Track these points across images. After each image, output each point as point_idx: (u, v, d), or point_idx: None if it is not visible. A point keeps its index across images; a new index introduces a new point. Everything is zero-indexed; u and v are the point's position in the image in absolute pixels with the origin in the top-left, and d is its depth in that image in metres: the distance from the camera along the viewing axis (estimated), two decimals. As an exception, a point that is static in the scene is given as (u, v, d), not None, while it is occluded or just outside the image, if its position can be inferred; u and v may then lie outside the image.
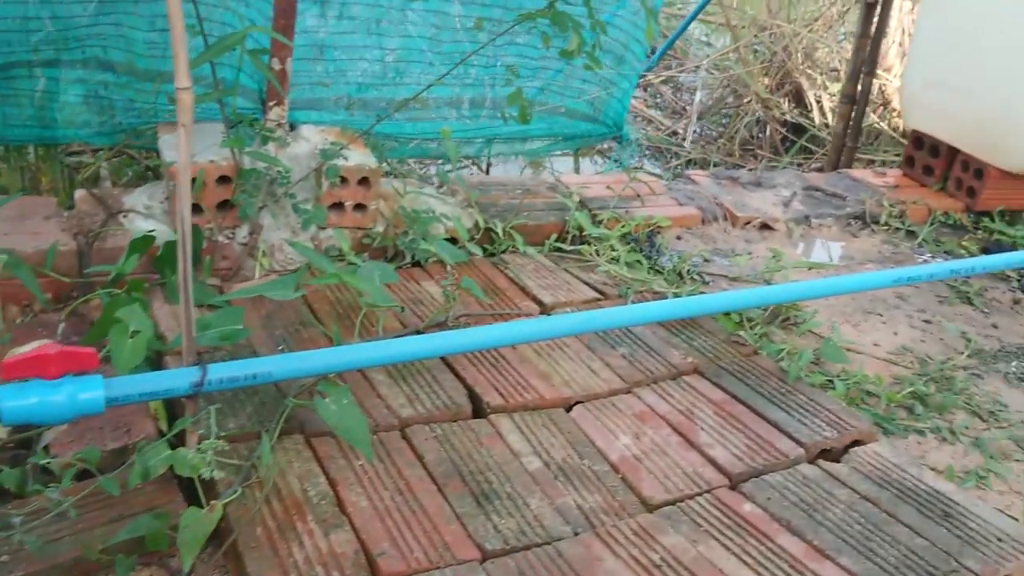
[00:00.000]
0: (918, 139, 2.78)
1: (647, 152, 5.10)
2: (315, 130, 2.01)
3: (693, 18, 4.41)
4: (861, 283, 1.84)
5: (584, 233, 2.14)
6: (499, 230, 2.06)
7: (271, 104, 1.92)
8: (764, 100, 5.17)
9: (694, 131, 5.42)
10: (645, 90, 5.86)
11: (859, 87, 3.19)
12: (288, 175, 1.82)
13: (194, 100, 1.00)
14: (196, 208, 1.81)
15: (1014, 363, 1.94)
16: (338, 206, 1.96)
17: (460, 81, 2.14)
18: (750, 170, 2.68)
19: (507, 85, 2.19)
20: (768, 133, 5.03)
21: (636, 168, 2.89)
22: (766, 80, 5.26)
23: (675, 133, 5.37)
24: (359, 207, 1.97)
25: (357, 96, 2.04)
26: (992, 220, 2.64)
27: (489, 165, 2.78)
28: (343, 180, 1.92)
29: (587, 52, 1.86)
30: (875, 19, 3.09)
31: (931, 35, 2.69)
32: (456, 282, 1.69)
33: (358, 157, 1.94)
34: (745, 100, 5.36)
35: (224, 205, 1.84)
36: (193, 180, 1.77)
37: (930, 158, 2.75)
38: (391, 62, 2.08)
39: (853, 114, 3.22)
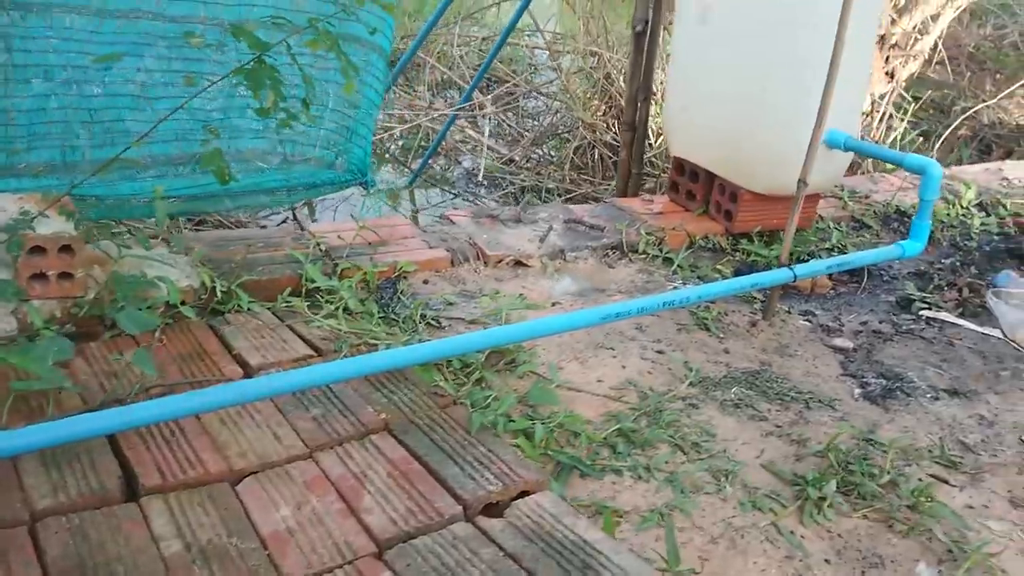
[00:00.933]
0: (680, 164, 2.84)
1: (483, 182, 5.11)
2: (12, 199, 1.92)
3: (494, 56, 4.42)
4: (568, 323, 1.84)
5: (315, 285, 2.10)
6: (223, 288, 2.01)
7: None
8: (590, 124, 5.23)
9: (533, 157, 5.46)
10: (485, 118, 5.88)
11: (637, 114, 3.25)
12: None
13: None
14: None
15: (734, 389, 1.97)
16: (42, 276, 1.88)
17: (180, 137, 2.08)
18: (515, 205, 2.69)
19: (235, 138, 2.14)
20: (597, 157, 5.11)
21: (395, 197, 2.86)
22: (596, 103, 5.34)
23: (512, 160, 5.40)
24: (65, 275, 1.89)
25: (62, 160, 1.97)
26: (750, 241, 2.70)
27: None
28: (41, 249, 1.84)
29: (284, 109, 1.83)
30: (644, 46, 3.15)
31: (682, 64, 2.75)
32: (157, 347, 1.63)
33: (56, 224, 1.86)
34: (575, 125, 5.43)
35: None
36: None
37: (691, 183, 2.81)
38: (100, 121, 2.01)
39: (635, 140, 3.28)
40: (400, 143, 5.57)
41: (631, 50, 3.22)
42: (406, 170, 4.93)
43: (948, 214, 3.06)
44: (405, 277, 2.27)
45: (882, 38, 4.70)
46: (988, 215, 3.10)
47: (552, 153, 5.35)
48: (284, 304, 2.06)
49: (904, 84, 5.17)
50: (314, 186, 2.30)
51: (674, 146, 2.84)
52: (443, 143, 5.12)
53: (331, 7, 1.97)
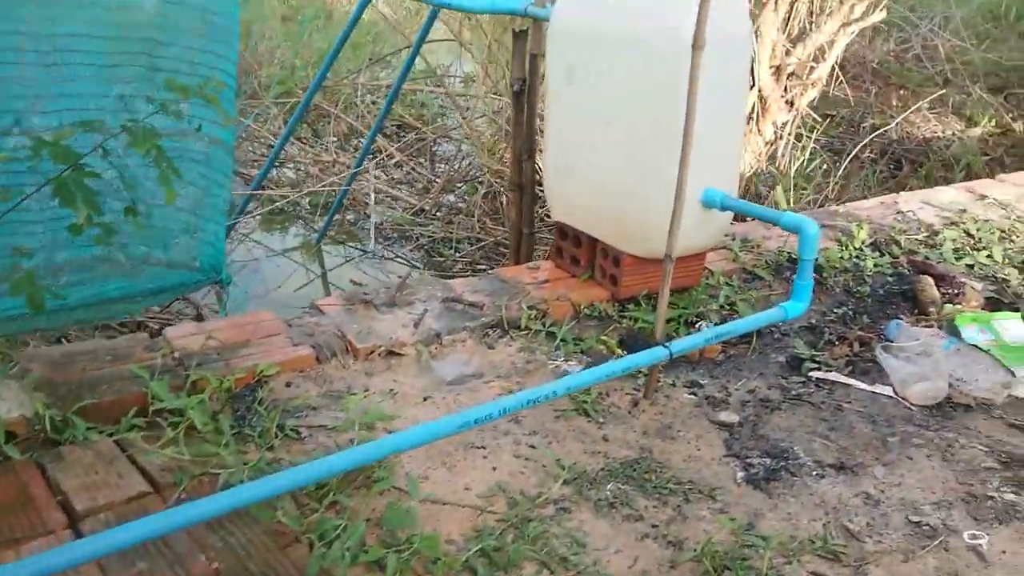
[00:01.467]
0: (562, 229, 2.75)
1: (393, 235, 4.98)
2: None
3: (390, 105, 4.32)
4: (421, 436, 1.72)
5: (162, 405, 1.96)
6: (57, 417, 1.86)
7: None
8: (496, 171, 5.15)
9: (445, 205, 5.34)
10: (397, 167, 5.77)
11: (523, 173, 3.16)
12: None
13: None
14: None
15: (610, 485, 1.86)
16: None
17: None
18: (386, 289, 2.56)
19: (64, 248, 2.00)
20: (507, 203, 5.01)
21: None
22: (503, 146, 5.25)
23: (422, 210, 5.28)
24: None
25: None
26: (637, 305, 2.61)
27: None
28: None
29: (99, 224, 1.69)
30: (524, 104, 3.06)
31: (555, 127, 2.67)
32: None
33: None
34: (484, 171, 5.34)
35: None
36: None
37: (575, 248, 2.72)
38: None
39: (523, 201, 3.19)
40: (308, 200, 5.43)
41: (512, 109, 3.13)
42: (315, 229, 4.79)
43: (841, 257, 3.01)
44: (266, 382, 2.13)
45: (778, 69, 4.69)
46: (882, 255, 3.06)
47: (463, 201, 5.23)
48: (128, 429, 1.91)
49: (805, 111, 5.16)
50: (162, 291, 2.16)
51: (554, 211, 2.75)
52: (351, 197, 5.01)
53: (155, 106, 1.83)
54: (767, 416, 2.16)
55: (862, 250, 3.07)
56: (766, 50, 4.59)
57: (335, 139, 6.18)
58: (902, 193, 3.66)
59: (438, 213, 5.31)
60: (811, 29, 4.83)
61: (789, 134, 5.00)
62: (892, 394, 2.28)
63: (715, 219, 2.52)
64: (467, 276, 2.86)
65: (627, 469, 1.93)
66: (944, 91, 7.70)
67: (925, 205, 3.53)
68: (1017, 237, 3.28)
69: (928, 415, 2.20)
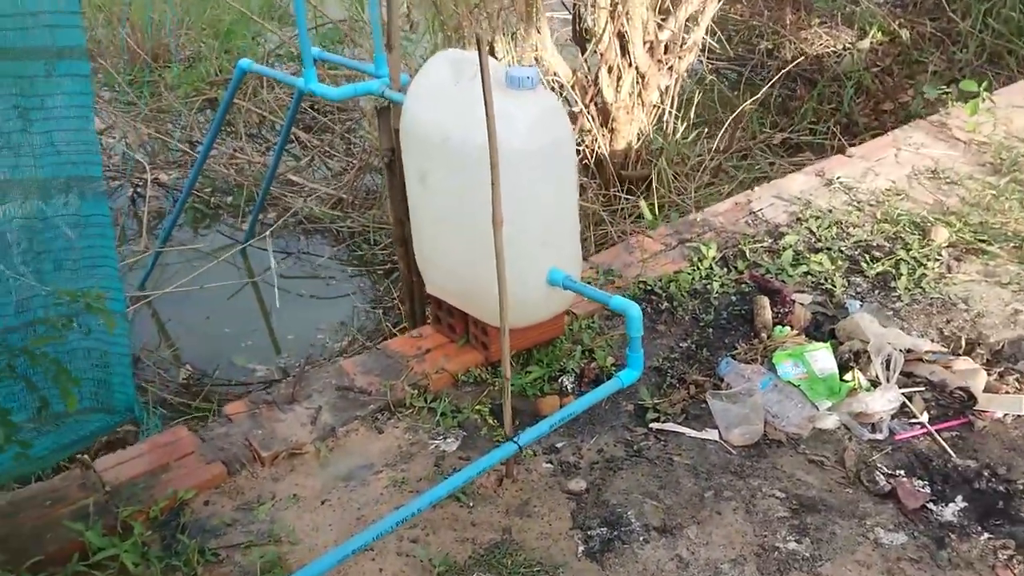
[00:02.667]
0: (437, 300, 3.10)
1: (312, 228, 5.24)
2: None
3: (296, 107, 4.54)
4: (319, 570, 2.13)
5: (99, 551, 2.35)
6: (9, 582, 2.25)
7: None
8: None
9: (361, 191, 5.60)
10: (312, 160, 5.99)
11: (405, 229, 3.48)
12: None
13: None
14: None
15: (476, 574, 2.29)
16: None
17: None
18: (288, 379, 2.93)
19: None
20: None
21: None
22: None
23: (341, 200, 5.53)
24: None
25: None
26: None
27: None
28: None
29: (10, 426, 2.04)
30: (397, 172, 3.36)
31: (419, 215, 2.99)
32: None
33: None
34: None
35: None
36: None
37: (450, 317, 3.08)
38: None
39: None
40: (229, 199, 5.68)
41: (384, 177, 3.43)
42: (239, 229, 5.04)
43: (692, 278, 3.39)
44: (187, 504, 2.52)
45: (651, 45, 4.95)
46: (729, 270, 3.45)
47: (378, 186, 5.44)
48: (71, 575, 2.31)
49: (685, 73, 5.44)
50: (85, 438, 2.52)
51: (428, 286, 3.09)
52: (272, 194, 5.26)
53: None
54: (610, 479, 2.59)
55: (712, 268, 3.45)
56: (637, 31, 4.85)
57: (247, 132, 6.35)
58: (755, 189, 4.02)
59: (355, 202, 5.57)
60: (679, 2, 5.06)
61: (672, 98, 5.29)
62: (718, 438, 2.71)
63: (561, 295, 2.88)
64: (357, 355, 3.19)
65: (489, 555, 2.36)
66: (835, 2, 7.94)
67: (776, 200, 3.90)
68: (853, 229, 3.67)
69: (745, 456, 2.64)
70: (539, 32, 4.81)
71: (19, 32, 2.04)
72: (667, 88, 5.24)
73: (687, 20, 5.15)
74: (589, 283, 3.33)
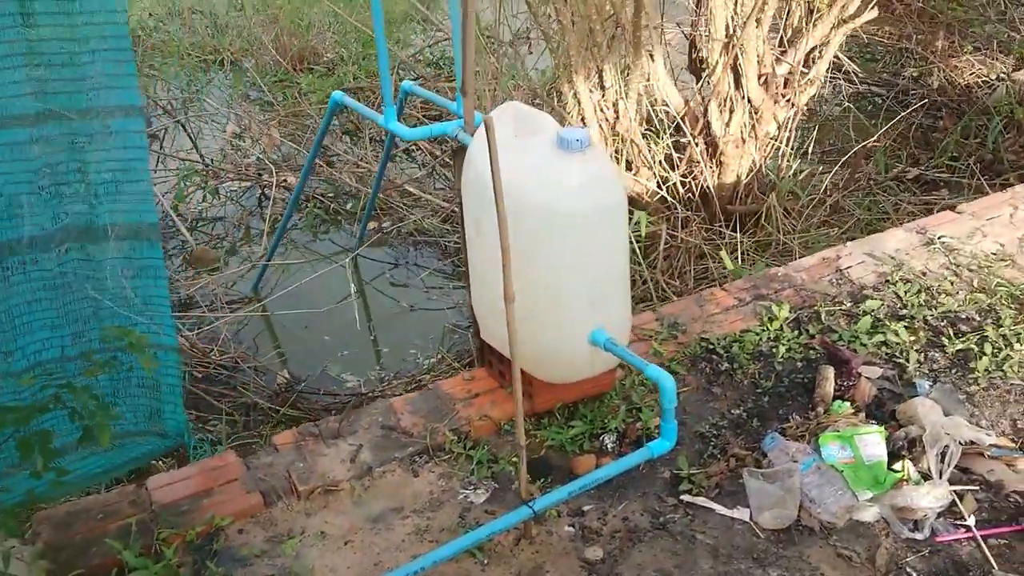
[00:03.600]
0: (488, 346, 3.14)
1: (422, 241, 5.40)
2: None
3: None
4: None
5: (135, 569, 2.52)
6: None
7: None
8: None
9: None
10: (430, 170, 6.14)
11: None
12: None
13: None
14: None
15: (472, 638, 2.33)
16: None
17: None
18: (337, 415, 3.05)
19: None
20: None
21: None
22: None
23: (454, 213, 5.66)
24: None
25: None
26: (552, 418, 3.01)
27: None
28: None
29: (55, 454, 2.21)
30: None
31: (472, 263, 3.04)
32: None
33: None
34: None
35: None
36: None
37: (500, 363, 3.12)
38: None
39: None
40: (348, 205, 5.91)
41: (459, 214, 3.49)
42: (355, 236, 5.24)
43: (759, 339, 3.31)
44: (222, 531, 2.67)
45: (767, 78, 4.83)
46: (800, 333, 3.34)
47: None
48: (114, 592, 2.49)
49: (806, 107, 5.26)
50: (138, 458, 2.70)
51: (481, 329, 3.14)
52: (382, 203, 5.46)
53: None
54: (629, 551, 2.57)
55: (782, 330, 3.35)
56: (751, 64, 4.74)
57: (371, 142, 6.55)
58: (847, 244, 3.85)
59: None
60: (806, 29, 4.91)
61: (790, 130, 5.14)
62: (748, 518, 2.64)
63: (603, 355, 2.87)
64: (408, 392, 3.28)
65: (493, 619, 2.39)
66: (995, 27, 7.48)
67: (867, 257, 3.74)
68: (944, 296, 3.48)
69: (773, 541, 2.56)
70: (652, 59, 4.76)
71: (78, 95, 2.19)
72: (785, 121, 5.10)
73: (809, 53, 4.98)
74: (652, 336, 3.31)
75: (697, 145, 4.92)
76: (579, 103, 4.81)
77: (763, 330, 3.35)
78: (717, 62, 4.77)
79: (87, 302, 2.40)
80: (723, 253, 3.89)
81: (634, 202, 4.79)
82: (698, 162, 4.91)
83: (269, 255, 4.71)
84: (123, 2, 2.17)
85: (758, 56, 4.79)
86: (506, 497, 2.77)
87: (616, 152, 4.82)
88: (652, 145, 4.92)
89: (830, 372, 3.09)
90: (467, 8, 2.46)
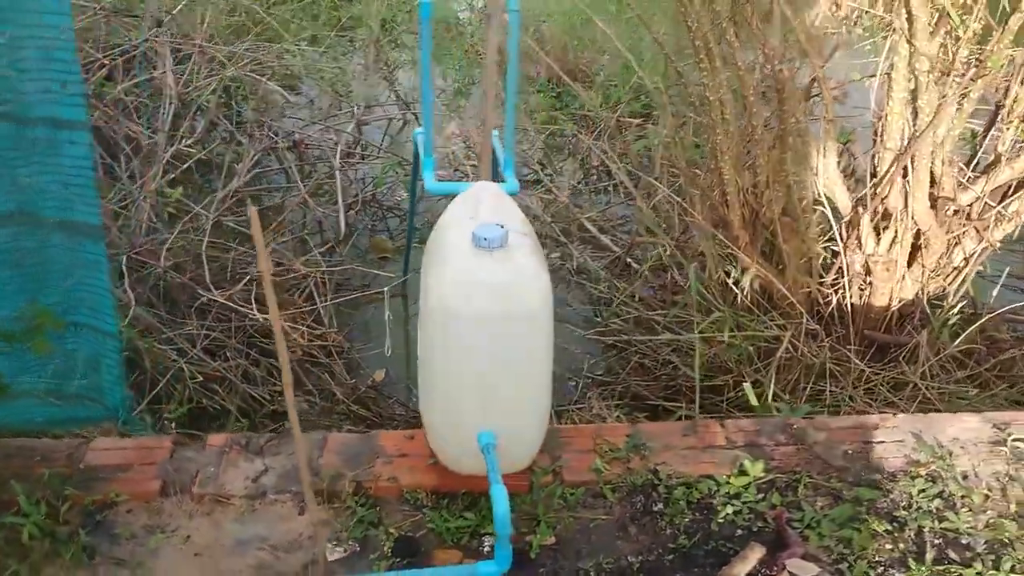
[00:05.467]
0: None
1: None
2: None
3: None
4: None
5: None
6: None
7: None
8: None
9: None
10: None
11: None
12: None
13: None
14: None
15: None
16: None
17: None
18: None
19: None
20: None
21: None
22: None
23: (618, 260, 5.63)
24: None
25: None
26: (451, 502, 2.97)
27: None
28: None
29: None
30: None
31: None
32: None
33: None
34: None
35: None
36: None
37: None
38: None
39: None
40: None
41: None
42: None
43: (713, 491, 3.02)
44: (115, 506, 2.95)
45: (943, 202, 4.33)
46: (764, 499, 3.00)
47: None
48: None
49: (999, 244, 4.59)
50: (77, 421, 3.05)
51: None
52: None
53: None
54: (417, 661, 2.51)
55: (746, 488, 3.03)
56: (922, 184, 4.27)
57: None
58: (899, 415, 3.35)
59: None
60: (1006, 157, 4.33)
61: (971, 267, 4.56)
62: (551, 676, 2.47)
63: (507, 452, 2.79)
64: (350, 432, 3.36)
65: (252, 675, 2.46)
66: None
67: (911, 437, 3.24)
68: (964, 511, 2.95)
69: None
70: (824, 156, 4.42)
71: (25, 105, 2.50)
72: (972, 254, 4.51)
73: (1007, 189, 4.37)
74: (607, 452, 3.15)
75: (847, 257, 4.51)
76: (723, 181, 4.57)
77: (726, 482, 3.04)
78: (887, 172, 4.32)
79: (28, 282, 2.74)
80: (746, 386, 3.53)
81: (773, 302, 4.51)
82: (845, 274, 4.51)
83: (404, 269, 4.99)
84: (70, 33, 2.44)
85: (933, 175, 4.27)
86: (358, 564, 2.80)
87: (758, 240, 4.53)
88: (801, 243, 4.56)
89: (757, 553, 2.77)
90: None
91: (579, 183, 6.63)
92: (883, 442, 3.23)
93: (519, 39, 3.24)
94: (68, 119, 2.55)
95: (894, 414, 3.36)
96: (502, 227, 2.59)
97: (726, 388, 4.22)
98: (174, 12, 6.28)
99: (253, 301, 4.53)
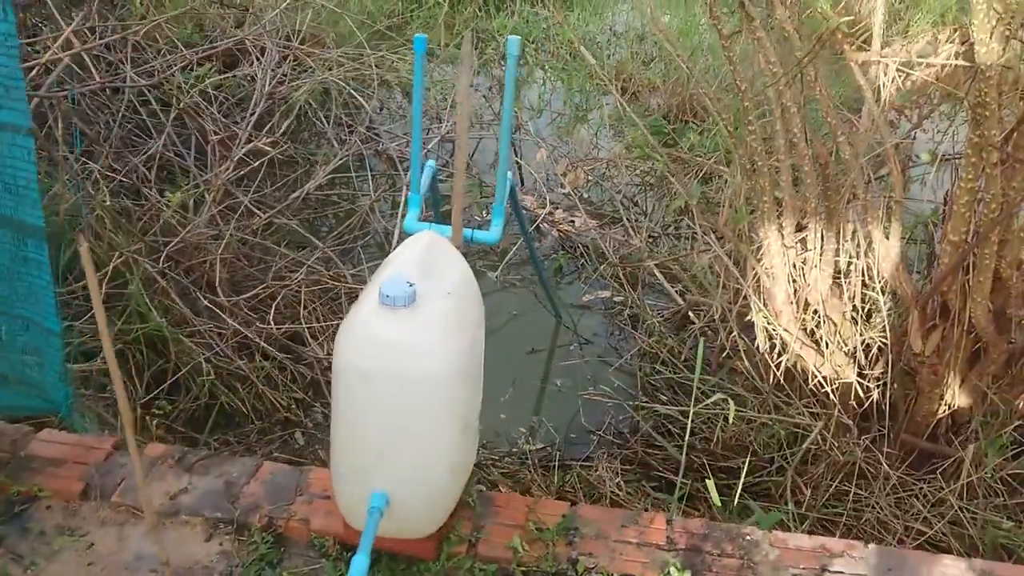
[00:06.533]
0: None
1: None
2: None
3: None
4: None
5: (-51, 494, 2.95)
6: None
7: None
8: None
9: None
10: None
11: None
12: None
13: None
14: None
15: None
16: None
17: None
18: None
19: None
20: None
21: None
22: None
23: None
24: None
25: None
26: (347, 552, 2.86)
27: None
28: None
29: None
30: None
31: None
32: None
33: None
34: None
35: None
36: None
37: (354, 480, 3.01)
38: None
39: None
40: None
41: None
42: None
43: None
44: (37, 500, 3.00)
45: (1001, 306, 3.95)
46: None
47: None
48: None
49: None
50: (21, 409, 3.12)
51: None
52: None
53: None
54: None
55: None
56: (981, 287, 3.88)
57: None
58: (869, 547, 2.99)
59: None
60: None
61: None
62: None
63: (407, 516, 2.66)
64: (287, 463, 3.29)
65: None
66: None
67: (875, 573, 2.89)
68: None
69: None
70: (887, 239, 4.08)
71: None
72: None
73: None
74: (539, 532, 2.97)
75: (891, 353, 4.14)
76: (771, 252, 4.28)
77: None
78: (946, 267, 3.92)
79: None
80: (709, 483, 3.23)
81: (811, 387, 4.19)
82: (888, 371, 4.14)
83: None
84: (14, 40, 2.48)
85: (999, 276, 3.85)
86: (239, 604, 2.73)
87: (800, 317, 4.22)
88: (853, 328, 4.22)
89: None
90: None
91: (667, 228, 6.38)
92: (842, 571, 2.89)
93: (515, 88, 3.09)
94: (10, 123, 2.58)
95: (865, 544, 2.99)
96: (411, 285, 2.45)
97: (740, 471, 3.93)
98: (282, 8, 6.41)
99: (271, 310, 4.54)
